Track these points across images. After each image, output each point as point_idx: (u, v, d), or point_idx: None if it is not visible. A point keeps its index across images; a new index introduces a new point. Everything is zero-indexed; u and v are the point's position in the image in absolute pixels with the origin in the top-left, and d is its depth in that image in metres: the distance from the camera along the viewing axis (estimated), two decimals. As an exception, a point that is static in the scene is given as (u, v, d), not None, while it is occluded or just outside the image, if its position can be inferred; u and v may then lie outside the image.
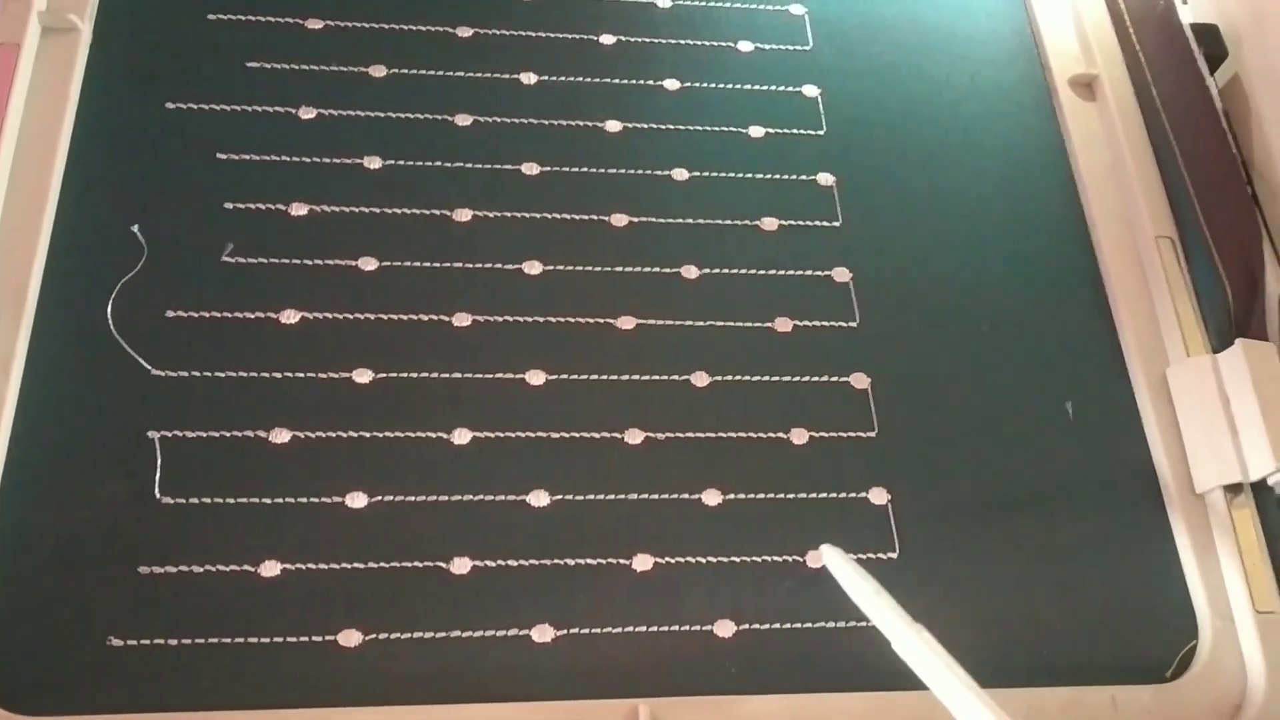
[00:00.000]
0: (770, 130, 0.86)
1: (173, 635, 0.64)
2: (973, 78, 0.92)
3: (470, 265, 0.77)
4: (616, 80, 0.86)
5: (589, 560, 0.69)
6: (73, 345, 0.70)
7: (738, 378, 0.76)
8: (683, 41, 0.89)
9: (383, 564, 0.67)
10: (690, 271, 0.79)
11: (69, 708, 0.61)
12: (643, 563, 0.69)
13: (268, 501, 0.68)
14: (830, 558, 0.62)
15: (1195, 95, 0.87)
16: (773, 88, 0.88)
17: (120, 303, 0.72)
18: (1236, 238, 0.82)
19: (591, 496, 0.71)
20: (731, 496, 0.72)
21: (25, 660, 0.62)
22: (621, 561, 0.69)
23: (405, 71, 0.83)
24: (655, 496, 0.72)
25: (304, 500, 0.68)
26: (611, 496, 0.71)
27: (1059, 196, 0.87)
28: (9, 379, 0.68)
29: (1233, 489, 0.75)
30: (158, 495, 0.67)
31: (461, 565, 0.68)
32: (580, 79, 0.86)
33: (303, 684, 0.64)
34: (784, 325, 0.78)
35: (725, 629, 0.68)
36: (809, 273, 0.81)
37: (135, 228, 0.73)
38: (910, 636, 0.58)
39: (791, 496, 0.73)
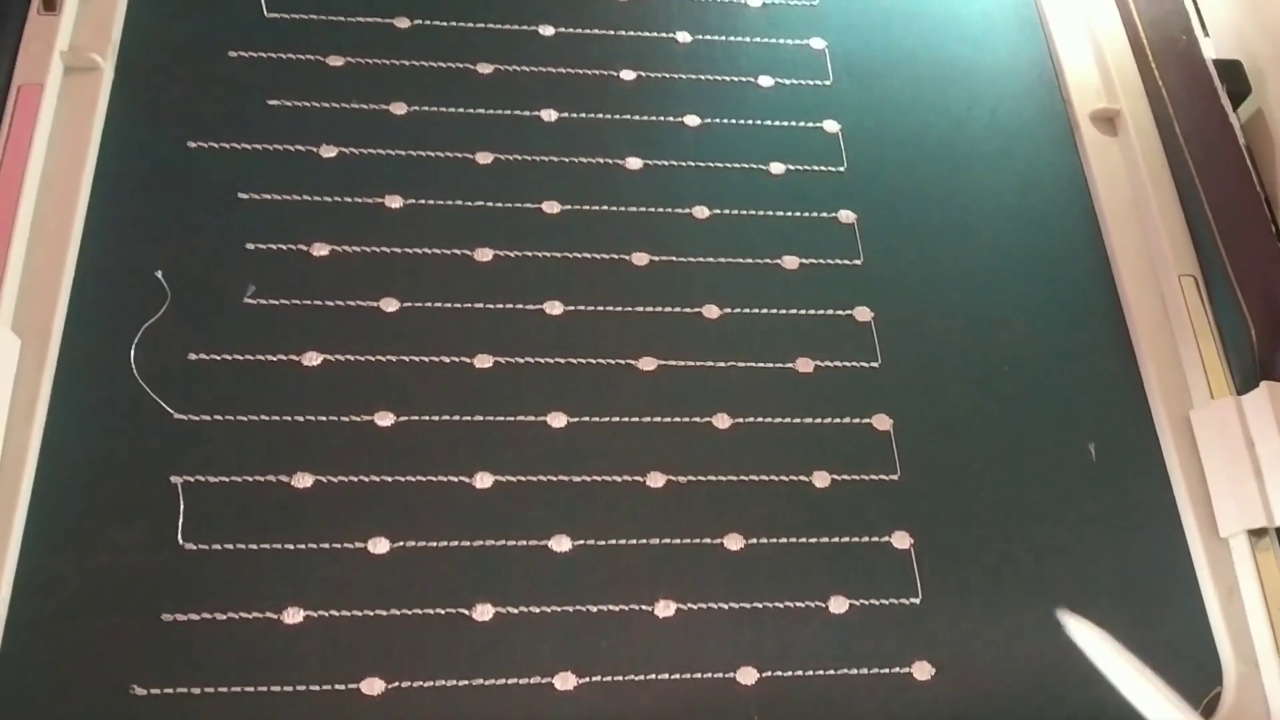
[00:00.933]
0: (791, 166, 0.86)
1: (196, 684, 0.64)
2: (993, 112, 0.91)
3: (492, 306, 0.77)
4: (637, 117, 0.86)
5: (611, 606, 0.69)
6: (96, 389, 0.70)
7: (759, 419, 0.76)
8: (703, 77, 0.89)
9: (405, 610, 0.67)
10: (711, 311, 0.79)
11: (92, 758, 0.61)
12: (665, 609, 0.69)
13: (290, 547, 0.68)
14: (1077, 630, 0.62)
15: (1218, 131, 0.86)
16: (793, 123, 0.88)
17: (142, 345, 0.72)
18: (1261, 276, 0.81)
19: (613, 541, 0.71)
20: (754, 541, 0.72)
21: (48, 709, 0.62)
22: (644, 608, 0.69)
23: (426, 109, 0.83)
24: (677, 541, 0.71)
25: (326, 546, 0.68)
26: (633, 541, 0.71)
27: (1080, 233, 0.87)
28: (33, 423, 0.68)
29: (1257, 533, 0.75)
30: (180, 541, 0.67)
31: (484, 612, 0.68)
32: (601, 115, 0.86)
33: (326, 733, 0.64)
34: (806, 366, 0.78)
35: (748, 676, 0.68)
36: (831, 312, 0.81)
37: (159, 274, 0.73)
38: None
39: (814, 540, 0.73)
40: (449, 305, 0.77)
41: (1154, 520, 0.77)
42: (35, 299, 0.71)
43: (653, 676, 0.68)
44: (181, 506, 0.68)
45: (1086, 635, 0.61)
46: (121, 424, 0.70)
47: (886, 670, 0.70)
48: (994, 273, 0.84)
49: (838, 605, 0.71)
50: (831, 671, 0.69)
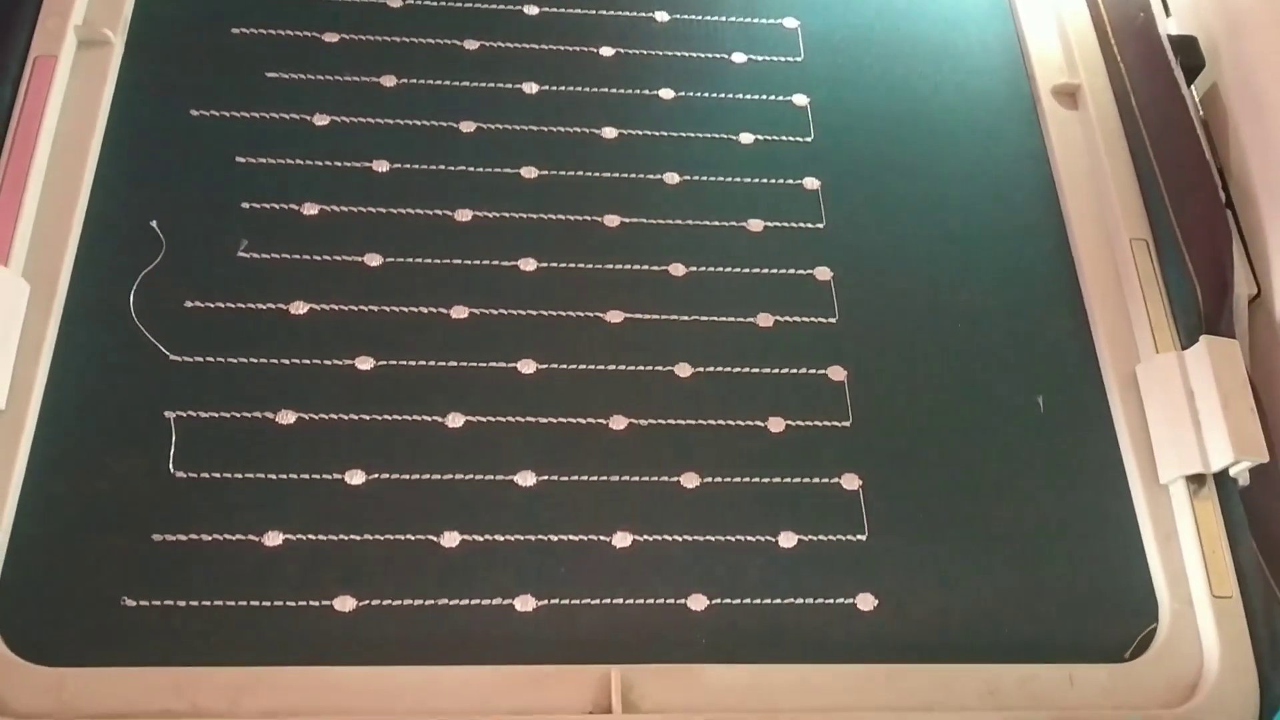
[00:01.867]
0: (760, 137, 0.90)
1: (182, 597, 0.69)
2: (959, 87, 0.95)
3: (469, 262, 0.82)
4: (614, 90, 0.91)
5: (571, 536, 0.73)
6: (98, 331, 0.76)
7: (719, 369, 0.80)
8: (679, 54, 0.94)
9: (377, 536, 0.72)
10: (678, 270, 0.84)
11: (86, 660, 0.66)
12: (622, 540, 0.74)
13: (273, 477, 0.73)
14: None
15: (1171, 104, 0.90)
16: (764, 97, 0.92)
17: (142, 293, 0.77)
18: (1208, 240, 0.84)
19: (576, 477, 0.75)
20: (709, 480, 0.76)
21: (47, 616, 0.68)
22: (602, 538, 0.74)
23: (414, 81, 0.89)
24: (636, 479, 0.76)
25: (306, 477, 0.73)
26: (595, 478, 0.75)
27: (1039, 201, 0.91)
28: (39, 361, 0.73)
29: (1195, 480, 0.78)
30: (172, 470, 0.72)
31: (451, 539, 0.72)
32: (580, 89, 0.91)
33: (300, 645, 0.68)
34: (766, 320, 0.82)
35: (698, 603, 0.72)
36: (792, 271, 0.85)
37: (154, 223, 0.79)
38: None
39: (767, 480, 0.77)
40: (428, 261, 0.82)
41: (1097, 468, 0.80)
42: (45, 249, 0.77)
43: (608, 601, 0.72)
44: (173, 438, 0.73)
45: None
46: (121, 363, 0.75)
47: (831, 601, 0.74)
48: (953, 237, 0.88)
49: (787, 540, 0.75)
50: (778, 601, 0.73)
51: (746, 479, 0.77)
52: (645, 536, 0.74)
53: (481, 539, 0.73)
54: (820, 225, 0.87)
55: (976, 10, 1.00)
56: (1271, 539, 0.77)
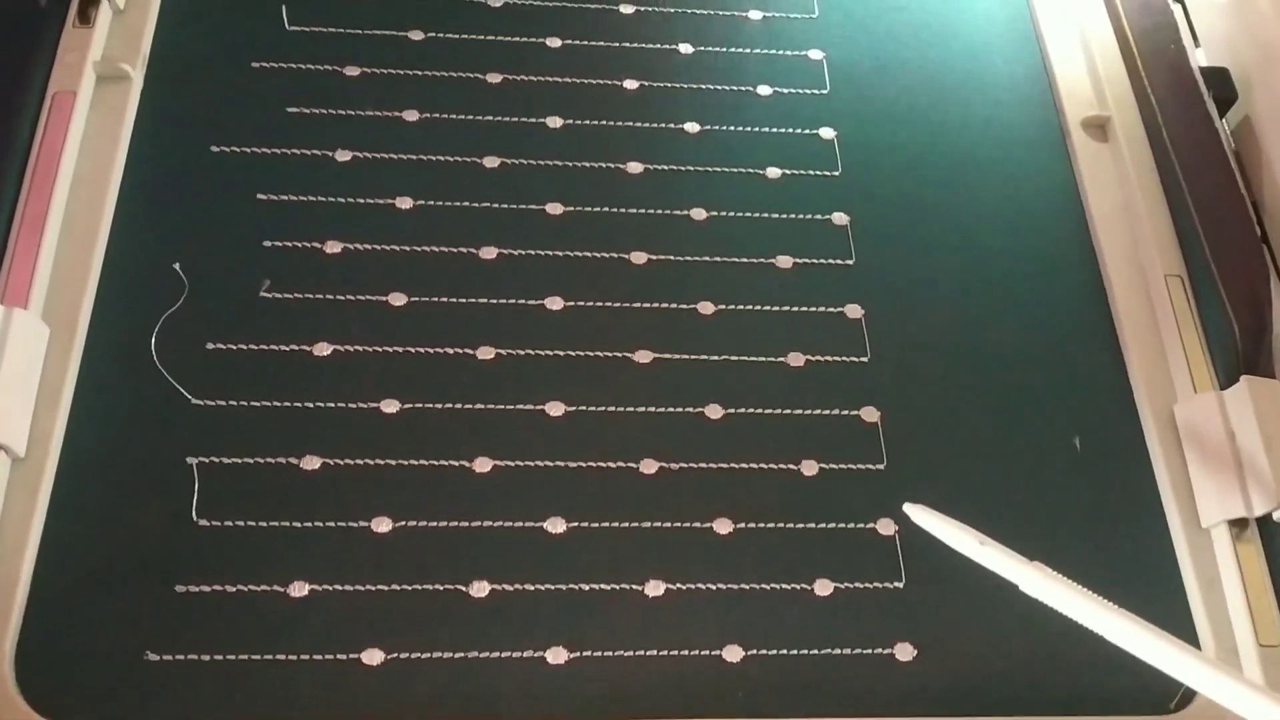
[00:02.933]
0: (787, 171, 0.89)
1: (206, 651, 0.67)
2: (987, 120, 0.94)
3: (494, 301, 0.80)
4: (639, 124, 0.90)
5: (603, 585, 0.72)
6: (119, 375, 0.75)
7: (751, 410, 0.79)
8: (703, 86, 0.92)
9: (405, 586, 0.70)
10: (706, 308, 0.82)
11: (109, 718, 0.65)
12: (654, 588, 0.72)
13: (297, 525, 0.71)
14: (921, 518, 0.66)
15: (1205, 137, 0.89)
16: (790, 130, 0.91)
17: (164, 335, 0.76)
18: (1245, 276, 0.83)
19: (606, 524, 0.74)
20: (742, 525, 0.75)
21: (66, 672, 0.66)
22: (634, 587, 0.72)
23: (437, 116, 0.88)
24: (668, 524, 0.74)
25: (332, 524, 0.72)
26: (625, 524, 0.74)
27: (1071, 236, 0.89)
28: (59, 406, 0.72)
29: (1238, 524, 0.76)
30: (195, 518, 0.71)
31: (480, 589, 0.71)
32: (604, 123, 0.89)
33: (327, 700, 0.67)
34: (797, 360, 0.81)
35: (734, 654, 0.71)
36: (822, 309, 0.83)
37: (177, 265, 0.78)
38: (1033, 574, 0.63)
39: (800, 526, 0.75)
40: (454, 300, 0.80)
41: (1137, 511, 0.79)
42: (64, 291, 0.75)
43: (641, 652, 0.70)
44: (196, 485, 0.71)
45: (932, 522, 0.64)
46: (142, 408, 0.74)
47: (869, 651, 0.72)
48: (985, 273, 0.87)
49: (823, 588, 0.73)
50: (815, 651, 0.71)
51: (781, 524, 0.75)
52: (678, 585, 0.72)
53: (511, 589, 0.71)
54: (850, 261, 0.86)
55: (1003, 41, 0.99)
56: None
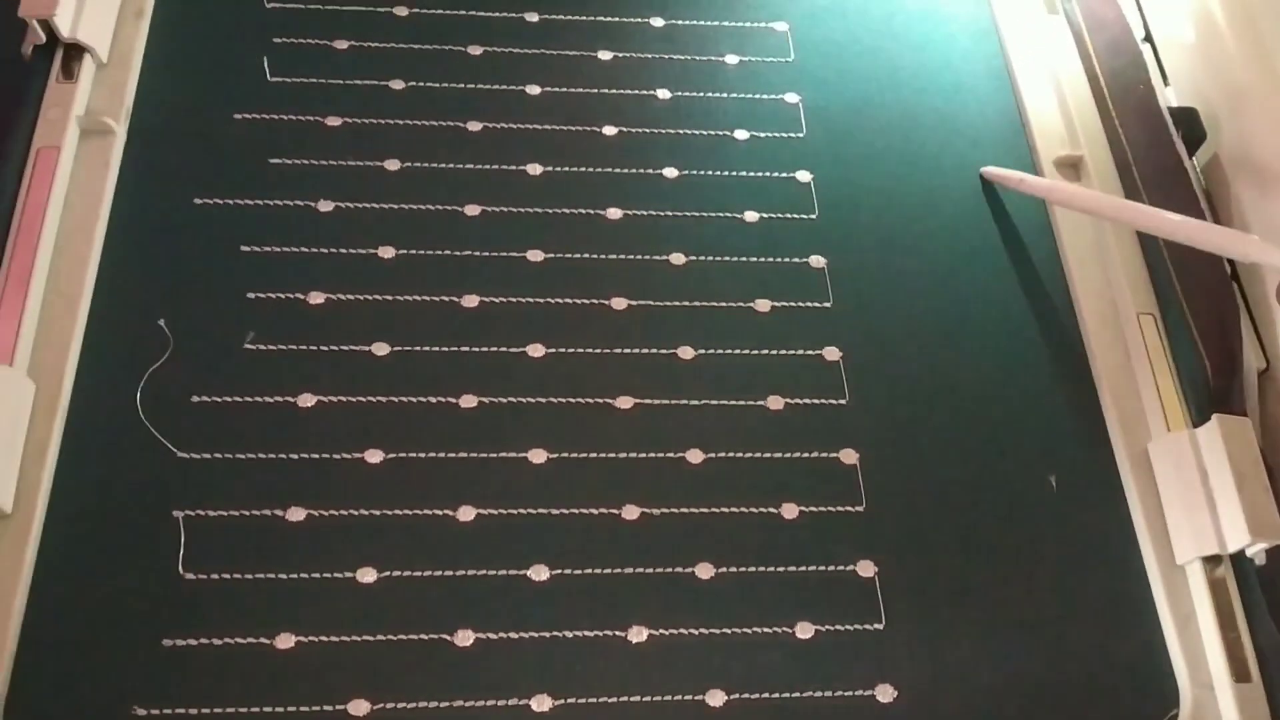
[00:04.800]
0: (764, 215, 0.90)
1: (193, 704, 0.68)
2: (961, 160, 0.95)
3: (477, 349, 0.81)
4: (618, 170, 0.91)
5: (586, 632, 0.73)
6: (104, 430, 0.75)
7: (731, 454, 0.80)
8: (681, 131, 0.94)
9: (390, 636, 0.71)
10: (686, 352, 0.83)
11: (95, 773, 0.65)
12: (638, 634, 0.73)
13: (283, 576, 0.72)
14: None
15: (1174, 176, 0.90)
16: (767, 174, 0.92)
17: (149, 389, 0.76)
18: (1215, 315, 0.84)
19: (589, 570, 0.75)
20: (723, 569, 0.75)
21: (55, 728, 0.66)
22: (617, 634, 0.73)
23: (418, 165, 0.89)
24: (650, 570, 0.75)
25: (317, 575, 0.72)
26: (608, 570, 0.75)
27: (1045, 275, 0.91)
28: (45, 462, 0.73)
29: (1212, 560, 0.78)
30: (181, 571, 0.71)
31: (465, 637, 0.71)
32: (583, 169, 0.90)
33: (314, 752, 0.68)
34: (776, 403, 0.82)
35: (716, 699, 0.71)
36: (800, 352, 0.85)
37: (161, 321, 0.78)
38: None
39: (781, 569, 0.76)
40: (436, 349, 0.81)
41: (1112, 549, 0.80)
42: (49, 347, 0.76)
43: (625, 699, 0.71)
44: (182, 539, 0.72)
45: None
46: (128, 462, 0.74)
47: (850, 693, 0.73)
48: (960, 314, 0.88)
49: (804, 631, 0.74)
50: (797, 694, 0.72)
51: (762, 568, 0.76)
52: (661, 630, 0.73)
53: (496, 637, 0.72)
54: (827, 304, 0.87)
55: (977, 82, 1.00)
56: (1290, 620, 0.76)
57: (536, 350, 0.82)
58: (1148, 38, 1.01)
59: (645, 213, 0.89)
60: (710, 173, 0.92)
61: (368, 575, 0.73)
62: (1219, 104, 0.94)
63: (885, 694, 0.73)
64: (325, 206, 0.86)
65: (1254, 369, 0.85)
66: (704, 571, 0.75)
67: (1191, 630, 0.77)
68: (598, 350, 0.83)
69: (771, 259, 0.88)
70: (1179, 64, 0.99)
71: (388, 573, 0.73)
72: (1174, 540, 0.79)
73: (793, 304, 0.86)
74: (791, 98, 0.97)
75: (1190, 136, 0.93)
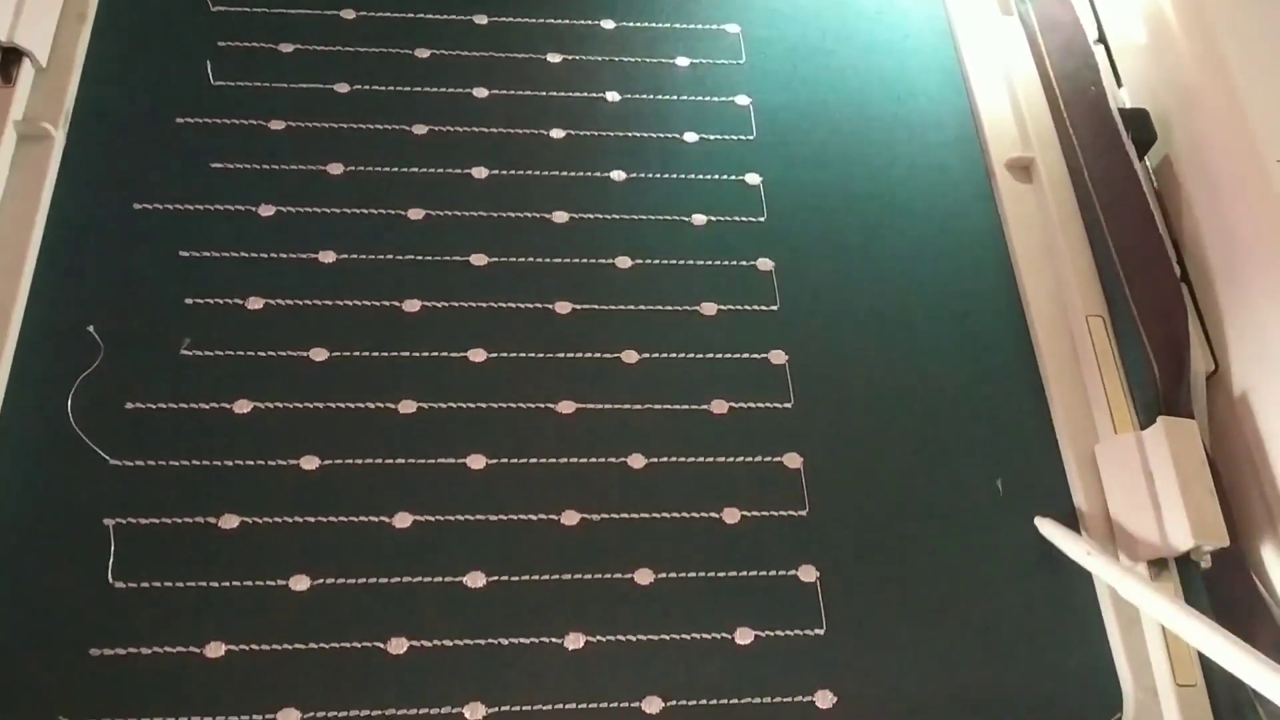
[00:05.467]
0: (713, 218, 0.90)
1: (121, 715, 0.67)
2: (912, 163, 0.95)
3: (417, 354, 0.81)
4: (565, 173, 0.90)
5: (522, 639, 0.72)
6: (35, 437, 0.74)
7: (673, 459, 0.79)
8: (630, 134, 0.93)
9: (323, 644, 0.70)
10: (630, 356, 0.83)
11: (19, 786, 0.64)
12: (574, 641, 0.72)
13: (215, 585, 0.71)
14: (1047, 530, 0.77)
15: (1123, 177, 0.89)
16: (717, 176, 0.92)
17: (82, 396, 0.75)
18: (1164, 317, 0.84)
19: (527, 577, 0.74)
20: (663, 575, 0.75)
21: (-22, 741, 0.66)
22: (554, 640, 0.72)
23: (361, 169, 0.88)
24: (589, 576, 0.74)
25: (250, 584, 0.71)
26: (546, 577, 0.74)
27: (995, 277, 0.90)
28: (-27, 471, 0.72)
29: (1157, 563, 0.77)
30: (111, 580, 0.70)
31: (398, 645, 0.71)
32: (530, 172, 0.90)
33: (243, 762, 0.67)
34: (720, 407, 0.81)
35: (653, 705, 0.71)
36: (746, 355, 0.84)
37: (91, 328, 0.78)
38: (1132, 582, 0.71)
39: (722, 575, 0.75)
40: (376, 354, 0.80)
41: (1059, 553, 0.79)
42: (-19, 354, 0.75)
43: (561, 706, 0.70)
44: (113, 547, 0.71)
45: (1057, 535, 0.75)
46: (59, 469, 0.74)
47: (790, 699, 0.72)
48: (909, 316, 0.88)
49: (743, 637, 0.73)
50: (735, 700, 0.72)
51: (702, 573, 0.75)
52: (599, 637, 0.72)
53: (430, 645, 0.71)
54: (775, 307, 0.86)
55: (930, 84, 1.00)
56: (1235, 624, 0.75)
57: (478, 355, 0.81)
58: (1101, 39, 1.00)
59: (592, 216, 0.88)
60: (659, 176, 0.91)
61: (301, 583, 0.72)
62: (1171, 106, 0.93)
63: (825, 700, 0.72)
64: (267, 211, 0.85)
65: (1202, 372, 0.84)
66: (643, 577, 0.75)
67: (1136, 635, 0.76)
68: (540, 355, 0.82)
69: (719, 262, 0.88)
70: (1132, 66, 0.98)
71: (321, 580, 0.72)
72: (1120, 544, 0.79)
73: (740, 307, 0.86)
74: (742, 100, 0.96)
75: (1141, 138, 0.92)
